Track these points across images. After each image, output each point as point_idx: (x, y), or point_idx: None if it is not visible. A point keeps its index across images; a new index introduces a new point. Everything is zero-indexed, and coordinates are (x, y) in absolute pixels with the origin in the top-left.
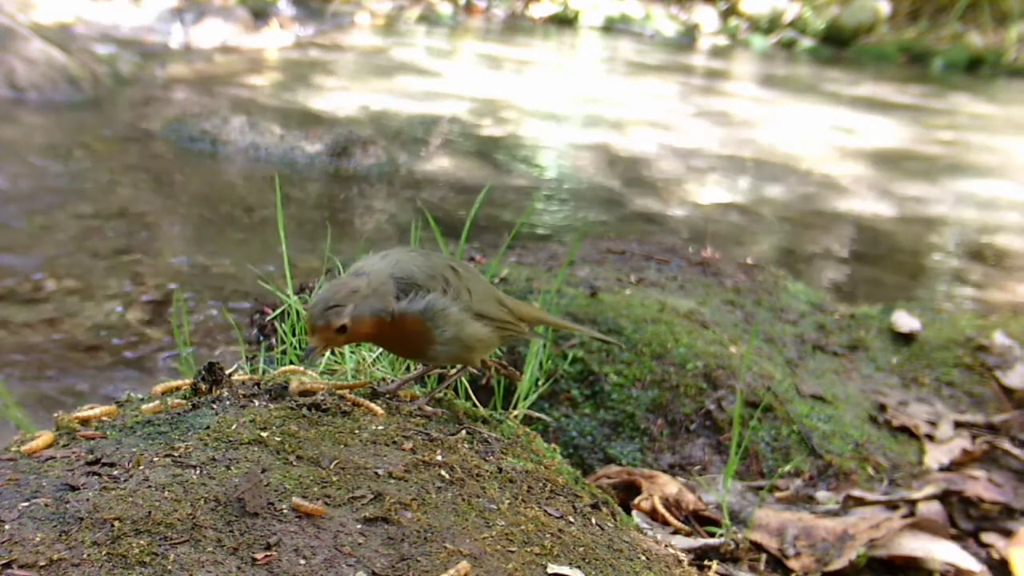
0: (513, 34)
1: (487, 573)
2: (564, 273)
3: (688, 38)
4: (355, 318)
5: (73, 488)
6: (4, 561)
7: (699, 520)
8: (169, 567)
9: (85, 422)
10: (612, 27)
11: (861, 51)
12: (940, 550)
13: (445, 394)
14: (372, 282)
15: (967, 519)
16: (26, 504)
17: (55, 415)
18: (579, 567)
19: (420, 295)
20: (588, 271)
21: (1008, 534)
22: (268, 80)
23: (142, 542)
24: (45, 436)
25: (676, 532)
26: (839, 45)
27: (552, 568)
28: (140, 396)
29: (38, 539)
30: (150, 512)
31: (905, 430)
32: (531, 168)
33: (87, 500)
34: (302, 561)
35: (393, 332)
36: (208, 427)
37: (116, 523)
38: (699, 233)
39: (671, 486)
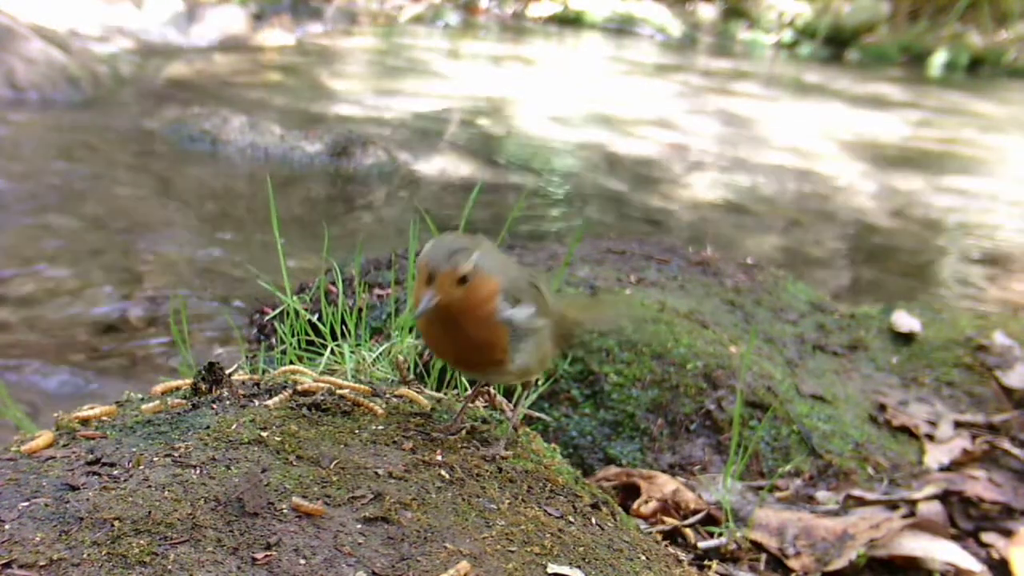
0: (514, 34)
1: (487, 573)
2: (563, 273)
3: (689, 38)
4: (479, 268)
5: (73, 488)
6: (4, 561)
7: (699, 520)
8: (169, 567)
9: (85, 422)
10: (613, 27)
11: (861, 51)
12: (940, 550)
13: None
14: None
15: (967, 519)
16: (26, 504)
17: (55, 415)
18: (579, 567)
19: (525, 305)
20: (588, 271)
21: (1008, 534)
22: (268, 80)
23: (142, 542)
24: (45, 436)
25: (676, 532)
26: (839, 45)
27: (552, 568)
28: (140, 396)
29: (38, 539)
30: (150, 512)
31: (905, 430)
32: (532, 168)
33: (87, 500)
34: (302, 561)
35: (473, 325)
36: (208, 427)
37: (116, 523)
38: (699, 233)
39: (670, 485)
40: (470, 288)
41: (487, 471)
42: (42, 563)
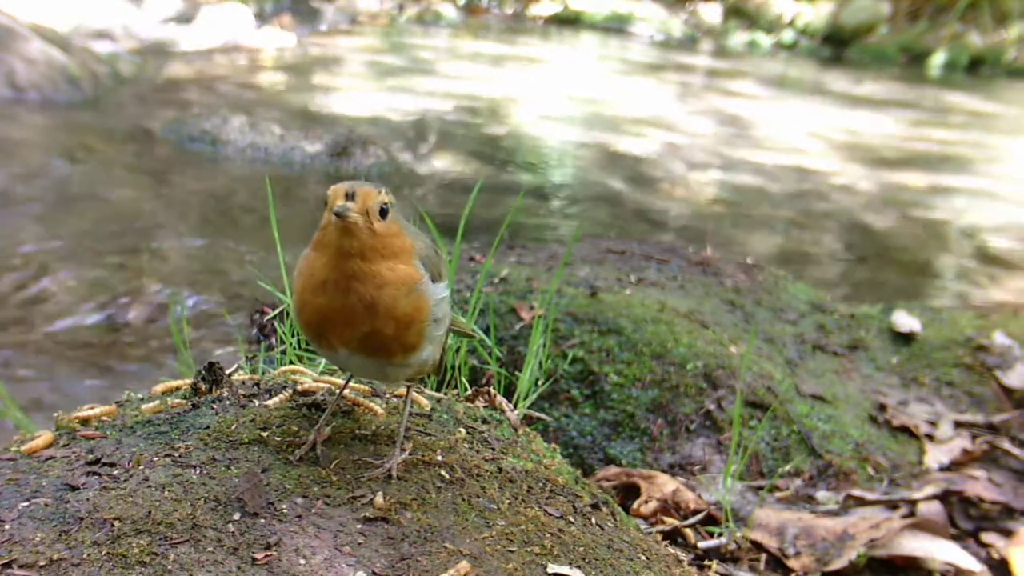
0: (514, 34)
1: (487, 573)
2: (562, 273)
3: (689, 38)
4: (394, 215)
5: (73, 488)
6: (4, 561)
7: (699, 520)
8: (169, 567)
9: (85, 422)
10: (613, 27)
11: (861, 51)
12: (940, 550)
13: (442, 397)
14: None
15: (967, 519)
16: (26, 504)
17: (55, 415)
18: (579, 567)
19: (442, 284)
20: (588, 271)
21: (1008, 534)
22: (268, 80)
23: (142, 542)
24: (45, 436)
25: (676, 532)
26: (839, 45)
27: (552, 568)
28: (140, 396)
29: (38, 539)
30: (150, 512)
31: (905, 430)
32: (531, 168)
33: (87, 500)
34: (302, 561)
35: (392, 288)
36: (208, 427)
37: (116, 523)
38: (699, 233)
39: (670, 485)
40: (388, 231)
41: (487, 471)
42: (42, 563)
